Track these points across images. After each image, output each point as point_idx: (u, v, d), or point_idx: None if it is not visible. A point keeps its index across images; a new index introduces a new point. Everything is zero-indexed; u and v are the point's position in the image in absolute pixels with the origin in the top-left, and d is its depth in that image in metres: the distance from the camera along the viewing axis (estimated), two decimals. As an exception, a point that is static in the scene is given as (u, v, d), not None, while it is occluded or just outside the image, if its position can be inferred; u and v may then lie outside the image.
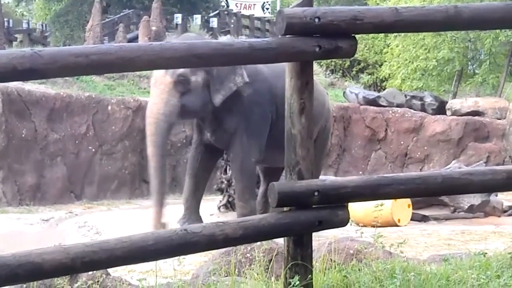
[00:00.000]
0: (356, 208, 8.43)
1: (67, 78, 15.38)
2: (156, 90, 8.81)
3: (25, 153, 13.76)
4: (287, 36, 3.86)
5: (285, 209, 3.99)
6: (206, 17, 28.87)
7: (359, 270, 4.36)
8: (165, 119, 8.76)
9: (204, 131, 9.53)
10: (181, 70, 8.67)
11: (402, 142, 16.60)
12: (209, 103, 9.01)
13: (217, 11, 29.93)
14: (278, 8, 28.22)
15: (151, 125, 8.78)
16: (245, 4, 34.13)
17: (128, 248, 3.56)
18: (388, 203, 9.26)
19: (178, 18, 23.81)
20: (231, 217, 10.14)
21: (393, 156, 16.68)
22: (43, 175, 13.94)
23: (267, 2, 35.00)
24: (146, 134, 8.96)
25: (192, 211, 9.61)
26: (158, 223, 8.65)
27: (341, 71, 25.79)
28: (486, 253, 4.66)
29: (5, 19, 23.30)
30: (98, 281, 4.71)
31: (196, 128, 9.74)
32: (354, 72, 26.21)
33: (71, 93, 14.82)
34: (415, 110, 17.11)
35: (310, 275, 3.97)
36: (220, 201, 11.53)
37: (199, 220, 9.41)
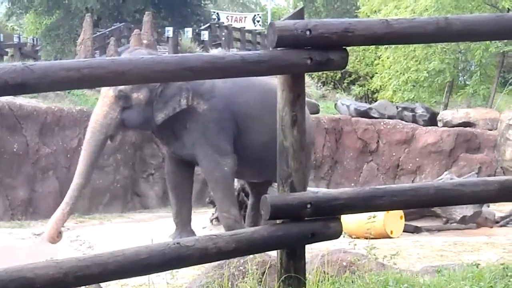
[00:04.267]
0: (348, 220, 8.42)
1: (58, 92, 15.37)
2: (101, 102, 9.24)
3: (17, 168, 13.72)
4: (279, 48, 3.86)
5: (277, 221, 3.99)
6: (197, 30, 28.90)
7: (352, 282, 4.36)
8: (101, 130, 9.10)
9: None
10: (122, 86, 8.92)
11: (394, 154, 16.61)
12: (151, 119, 9.19)
13: (208, 24, 29.98)
14: (269, 21, 28.30)
15: (88, 133, 9.21)
16: (236, 17, 34.22)
17: (121, 262, 3.55)
18: (380, 215, 9.25)
19: (169, 31, 23.80)
20: (223, 230, 10.10)
21: (385, 167, 16.68)
22: (34, 189, 13.90)
23: (258, 14, 35.11)
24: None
25: (184, 225, 9.58)
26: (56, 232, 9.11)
27: (332, 83, 25.81)
28: (479, 264, 4.67)
29: (-4, 34, 23.29)
30: (90, 296, 4.68)
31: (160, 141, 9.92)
32: (345, 84, 26.24)
33: (63, 107, 14.80)
34: (406, 121, 17.11)
35: (303, 288, 3.96)
36: (213, 213, 11.48)
37: (192, 233, 9.37)
